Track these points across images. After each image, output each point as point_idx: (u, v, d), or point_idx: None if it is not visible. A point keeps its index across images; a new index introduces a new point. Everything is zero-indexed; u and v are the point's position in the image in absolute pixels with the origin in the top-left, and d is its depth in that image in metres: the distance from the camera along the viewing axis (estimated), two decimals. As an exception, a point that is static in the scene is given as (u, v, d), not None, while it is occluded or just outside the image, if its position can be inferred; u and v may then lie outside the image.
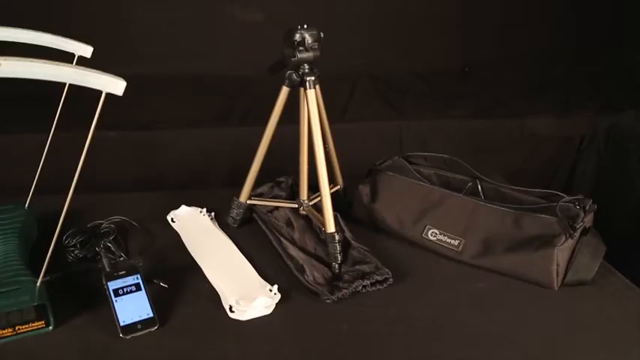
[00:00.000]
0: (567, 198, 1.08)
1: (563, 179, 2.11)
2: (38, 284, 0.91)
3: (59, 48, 1.05)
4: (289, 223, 1.22)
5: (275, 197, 1.29)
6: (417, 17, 2.51)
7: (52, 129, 1.09)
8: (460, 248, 1.12)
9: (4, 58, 0.75)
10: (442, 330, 0.95)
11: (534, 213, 1.08)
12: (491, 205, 1.13)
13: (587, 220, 1.06)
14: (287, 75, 1.08)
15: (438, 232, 1.15)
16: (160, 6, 2.32)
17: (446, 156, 1.28)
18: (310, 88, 1.06)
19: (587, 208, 1.07)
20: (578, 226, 1.03)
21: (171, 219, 1.23)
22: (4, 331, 0.86)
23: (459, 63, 2.58)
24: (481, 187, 1.21)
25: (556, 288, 1.04)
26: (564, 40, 2.60)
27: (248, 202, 1.20)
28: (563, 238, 1.02)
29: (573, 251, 1.04)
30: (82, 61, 0.99)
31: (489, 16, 2.58)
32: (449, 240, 1.13)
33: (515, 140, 2.05)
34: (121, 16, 2.30)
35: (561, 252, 1.02)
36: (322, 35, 1.04)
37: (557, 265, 1.03)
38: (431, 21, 2.53)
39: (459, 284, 1.07)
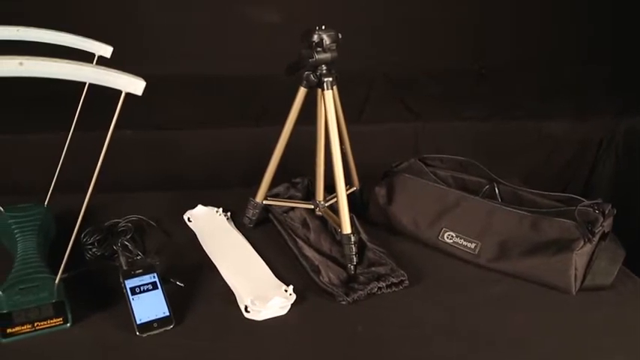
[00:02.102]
0: (586, 202, 1.07)
1: (580, 183, 2.09)
2: (57, 281, 0.91)
3: (80, 48, 1.06)
4: (305, 224, 1.22)
5: (291, 198, 1.29)
6: (434, 18, 2.50)
7: (72, 128, 1.10)
8: (476, 251, 1.11)
9: (25, 57, 0.76)
10: (458, 333, 0.94)
11: (552, 217, 1.07)
12: (508, 208, 1.12)
13: (607, 225, 1.05)
14: (304, 76, 1.08)
15: (454, 235, 1.14)
16: (177, 6, 2.34)
17: (462, 158, 1.28)
18: (328, 89, 1.06)
19: (607, 212, 1.05)
20: (597, 231, 1.02)
21: (188, 218, 1.24)
22: (23, 327, 0.87)
23: (475, 65, 2.56)
24: (498, 189, 1.20)
25: (574, 293, 1.03)
26: (580, 42, 2.57)
27: (264, 202, 1.20)
28: (582, 243, 1.01)
29: (592, 256, 1.03)
30: (102, 61, 1.00)
31: (506, 17, 2.57)
32: (465, 243, 1.13)
33: (532, 143, 2.03)
34: (139, 17, 2.32)
35: (579, 256, 1.01)
36: (340, 36, 1.04)
37: (576, 269, 1.02)
38: (447, 22, 2.52)
39: (475, 287, 1.06)
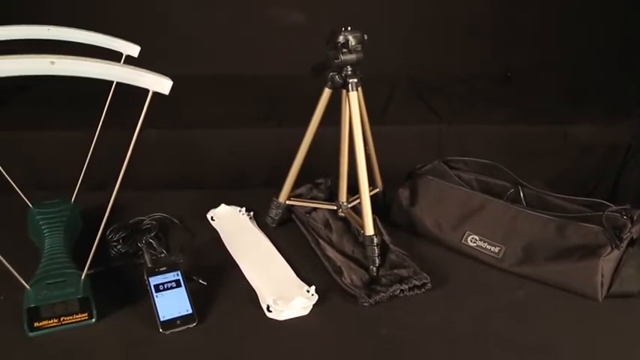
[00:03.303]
0: (614, 207, 1.05)
1: (607, 187, 2.05)
2: (83, 277, 0.93)
3: (108, 47, 1.07)
4: (327, 225, 1.22)
5: (313, 198, 1.29)
6: (459, 20, 2.48)
7: (99, 127, 1.12)
8: (500, 255, 1.10)
9: (56, 56, 0.78)
10: (480, 337, 0.94)
11: (579, 222, 1.06)
12: (533, 212, 1.11)
13: (635, 231, 1.03)
14: (329, 77, 1.08)
15: (477, 238, 1.13)
16: (202, 7, 2.36)
17: (487, 161, 1.27)
18: (353, 90, 1.06)
19: (635, 218, 1.03)
20: (625, 237, 1.00)
21: (211, 217, 1.25)
22: (49, 322, 0.89)
23: (500, 67, 2.54)
24: (523, 193, 1.18)
25: (600, 299, 1.01)
26: (608, 44, 2.53)
27: (287, 202, 1.21)
28: (609, 249, 1.00)
29: (619, 262, 1.01)
30: (129, 61, 1.01)
31: (533, 19, 2.54)
32: (489, 246, 1.12)
33: (558, 147, 2.00)
34: (165, 17, 2.35)
35: (606, 263, 1.00)
36: (366, 37, 1.04)
37: (602, 276, 1.00)
38: (473, 24, 2.49)
39: (498, 292, 1.05)
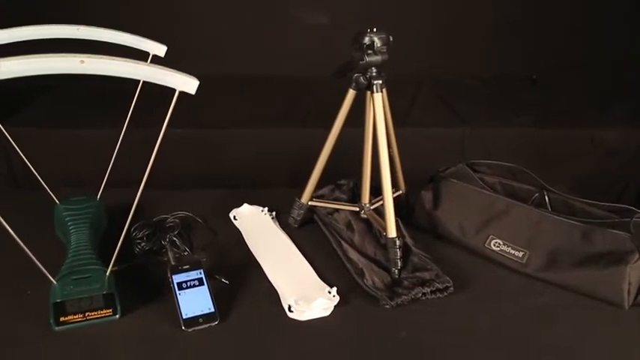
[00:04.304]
0: (642, 213, 1.04)
1: (634, 193, 2.01)
2: (108, 274, 0.94)
3: (135, 47, 1.09)
4: (349, 226, 1.22)
5: (336, 200, 1.29)
6: (484, 21, 2.46)
7: (125, 125, 1.13)
8: (524, 260, 1.09)
9: (86, 55, 0.79)
10: (503, 343, 0.93)
11: (605, 228, 1.04)
12: (558, 217, 1.09)
13: (664, 238, 1.01)
14: (354, 78, 1.08)
15: (501, 243, 1.12)
16: (226, 7, 2.37)
17: (512, 165, 1.25)
18: (377, 91, 1.06)
19: (664, 225, 1.01)
20: (653, 244, 0.98)
21: (234, 217, 1.26)
22: (75, 317, 0.90)
23: (525, 69, 2.51)
24: (548, 198, 1.17)
25: (627, 307, 0.99)
26: (636, 46, 2.48)
27: (309, 203, 1.21)
28: (637, 256, 0.98)
29: (647, 270, 0.99)
30: (155, 60, 1.02)
31: (559, 20, 2.51)
32: (512, 251, 1.10)
33: (584, 151, 1.97)
34: (188, 17, 2.37)
35: (634, 270, 0.98)
36: (391, 39, 1.04)
37: (629, 283, 0.98)
38: (498, 26, 2.47)
39: (522, 297, 1.04)
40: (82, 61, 0.78)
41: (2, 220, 0.81)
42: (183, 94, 0.84)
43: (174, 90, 0.83)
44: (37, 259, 0.87)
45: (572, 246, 1.05)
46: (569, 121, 2.04)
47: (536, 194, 1.18)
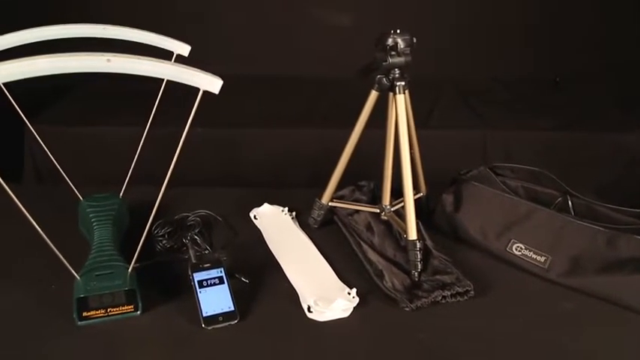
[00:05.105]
0: (669, 220, 1.02)
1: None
2: (130, 270, 0.95)
3: (160, 46, 1.10)
4: (369, 228, 1.22)
5: (356, 201, 1.29)
6: (508, 23, 2.44)
7: (148, 124, 1.15)
8: (546, 265, 1.07)
9: (112, 54, 0.80)
10: (522, 348, 0.92)
11: (631, 234, 1.02)
12: (582, 223, 1.07)
13: (691, 245, 0.99)
14: (377, 79, 1.07)
15: (523, 247, 1.11)
16: (247, 7, 2.39)
17: (535, 168, 1.24)
18: (400, 93, 1.06)
19: (691, 232, 1.00)
20: (680, 251, 0.97)
21: (254, 216, 1.26)
22: (97, 312, 0.91)
23: (548, 72, 2.48)
24: (571, 202, 1.16)
25: (652, 315, 0.98)
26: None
27: (330, 204, 1.21)
28: (663, 263, 0.96)
29: (674, 277, 0.98)
30: (179, 60, 1.03)
31: (584, 23, 2.47)
32: (534, 256, 1.09)
33: (608, 156, 1.94)
34: (212, 17, 2.38)
35: (660, 277, 0.96)
36: (415, 40, 1.03)
37: (655, 291, 0.97)
38: (522, 28, 2.45)
39: (543, 302, 1.03)
40: (109, 60, 0.79)
41: (29, 216, 0.82)
42: (205, 94, 0.85)
43: (194, 89, 0.84)
44: (61, 254, 0.88)
45: (596, 252, 1.04)
46: (592, 124, 2.01)
47: (560, 199, 1.17)
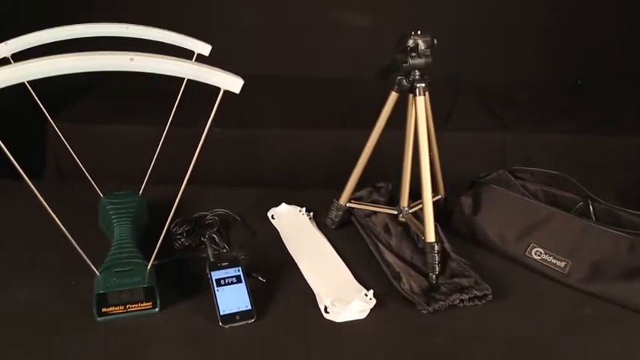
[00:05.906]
0: (693, 226, 1.00)
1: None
2: (149, 267, 0.96)
3: (181, 46, 1.11)
4: (387, 229, 1.21)
5: (373, 202, 1.28)
6: (529, 24, 2.42)
7: (168, 123, 1.16)
8: (566, 270, 1.06)
9: (135, 53, 0.81)
10: (541, 355, 0.91)
11: (654, 240, 1.01)
12: (603, 228, 1.06)
13: None
14: (397, 80, 1.07)
15: (542, 252, 1.09)
16: (267, 8, 2.39)
17: (555, 172, 1.23)
18: (420, 94, 1.05)
19: None
20: None
21: (272, 216, 1.26)
22: (116, 308, 0.92)
23: (569, 74, 2.45)
24: (592, 207, 1.14)
25: (674, 323, 0.96)
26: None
27: (347, 204, 1.21)
28: (686, 270, 0.95)
29: (697, 284, 0.96)
30: (200, 59, 1.03)
31: (606, 24, 2.44)
32: (554, 261, 1.08)
33: (630, 160, 1.91)
34: (232, 17, 2.39)
35: (683, 284, 0.95)
36: (435, 42, 1.03)
37: (678, 298, 0.95)
38: (543, 29, 2.42)
39: (562, 308, 1.01)
40: (132, 59, 0.79)
41: (51, 212, 0.83)
42: (225, 93, 0.85)
43: (213, 89, 0.84)
44: (81, 250, 0.89)
45: (618, 257, 1.03)
46: (613, 127, 1.98)
47: (580, 203, 1.15)
